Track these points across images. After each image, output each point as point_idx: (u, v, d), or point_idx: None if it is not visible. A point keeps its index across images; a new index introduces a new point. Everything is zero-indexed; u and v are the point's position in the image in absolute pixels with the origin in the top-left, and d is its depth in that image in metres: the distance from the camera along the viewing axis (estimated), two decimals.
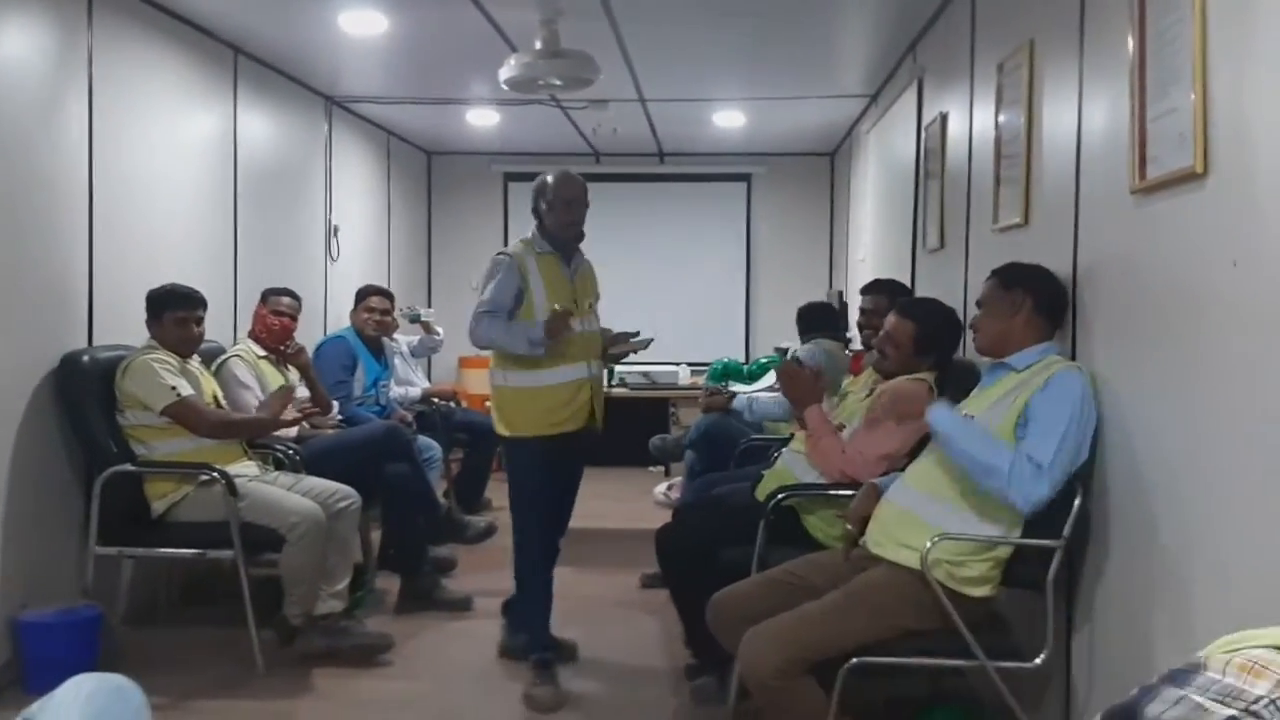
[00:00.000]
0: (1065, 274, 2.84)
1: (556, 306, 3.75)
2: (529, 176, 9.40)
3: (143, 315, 4.10)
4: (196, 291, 4.16)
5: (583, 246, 4.02)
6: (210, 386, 4.23)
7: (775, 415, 4.94)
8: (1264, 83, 1.85)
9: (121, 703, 1.70)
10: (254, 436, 4.31)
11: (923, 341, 3.44)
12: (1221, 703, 0.79)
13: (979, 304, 2.95)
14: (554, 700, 3.61)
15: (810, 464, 3.59)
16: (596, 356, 3.96)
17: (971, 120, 3.99)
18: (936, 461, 2.85)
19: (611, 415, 6.25)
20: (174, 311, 4.07)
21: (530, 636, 3.87)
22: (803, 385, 3.62)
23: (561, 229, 3.91)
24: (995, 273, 2.95)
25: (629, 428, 5.86)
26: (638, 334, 4.12)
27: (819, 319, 5.44)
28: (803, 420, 3.60)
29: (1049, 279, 2.82)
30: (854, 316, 4.96)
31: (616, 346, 4.06)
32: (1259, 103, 1.87)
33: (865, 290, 4.41)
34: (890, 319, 3.51)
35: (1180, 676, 0.85)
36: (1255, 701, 0.78)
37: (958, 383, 3.16)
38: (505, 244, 8.78)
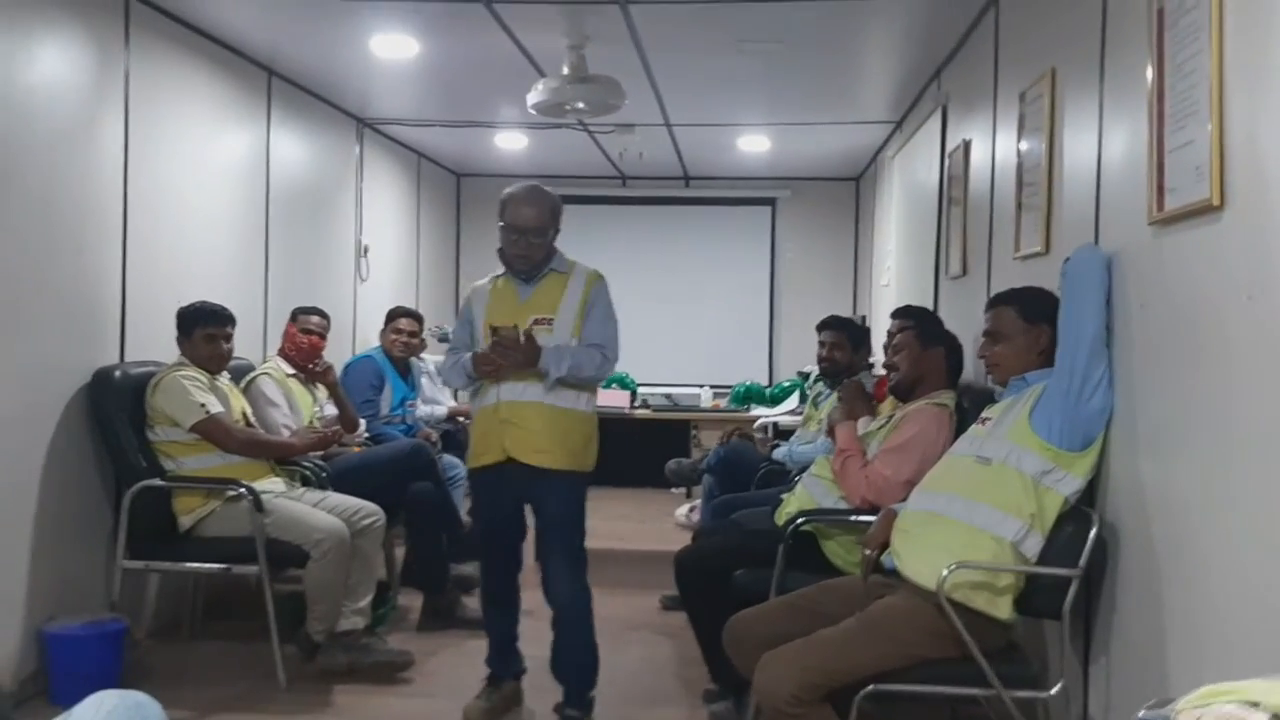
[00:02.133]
0: None
1: (485, 341, 3.48)
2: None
3: (174, 332, 4.17)
4: (225, 308, 4.22)
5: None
6: (239, 403, 4.29)
7: (812, 460, 4.95)
8: None
9: (141, 718, 1.74)
10: (280, 458, 4.36)
11: (926, 335, 3.60)
12: None
13: (991, 333, 2.98)
14: (477, 713, 3.63)
15: (831, 488, 3.60)
16: (525, 379, 3.47)
17: (994, 148, 4.01)
18: (952, 465, 2.91)
19: (634, 437, 6.32)
20: (203, 328, 4.14)
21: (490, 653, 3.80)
22: (853, 403, 3.80)
23: (510, 259, 3.61)
24: (1008, 302, 2.99)
25: (651, 449, 5.91)
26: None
27: None
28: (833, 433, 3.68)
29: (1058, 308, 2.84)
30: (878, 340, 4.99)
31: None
32: (1275, 137, 1.88)
33: (895, 315, 4.34)
34: (896, 338, 3.68)
35: None
36: None
37: (978, 410, 3.16)
38: None
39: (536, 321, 3.51)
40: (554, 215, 3.61)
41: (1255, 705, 0.79)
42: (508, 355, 3.41)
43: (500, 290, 3.65)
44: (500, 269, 3.69)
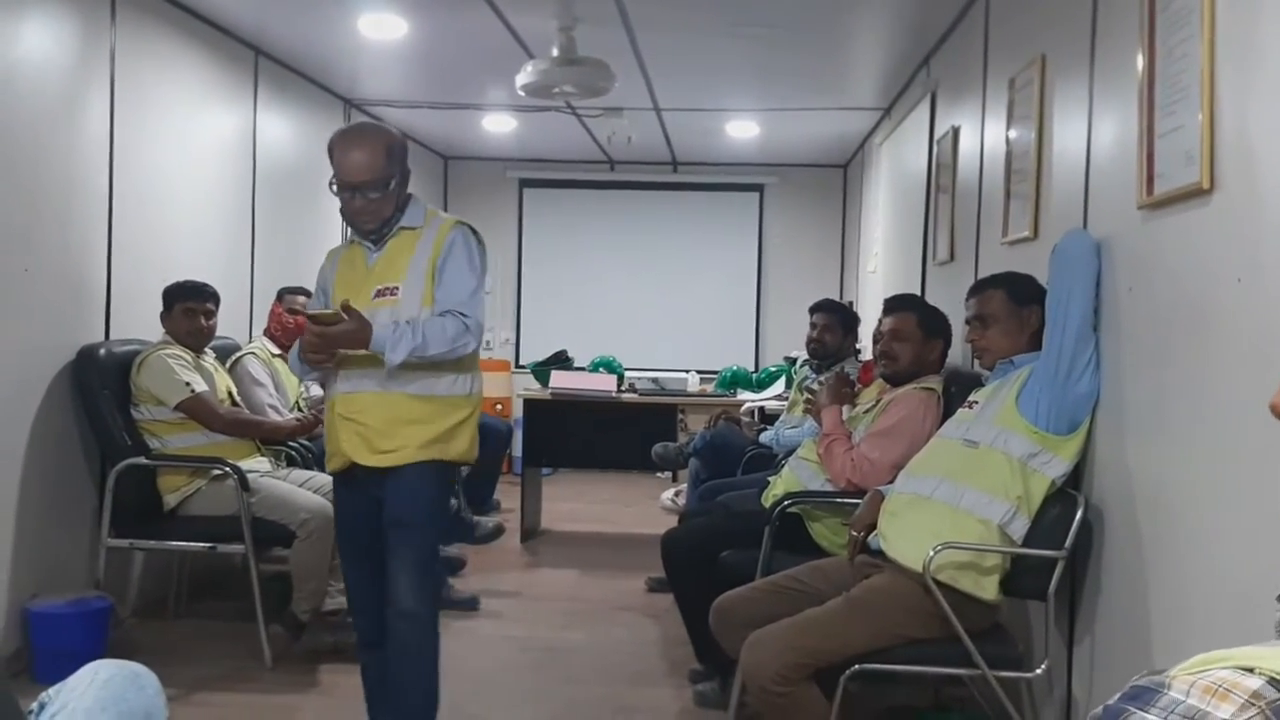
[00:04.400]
0: None
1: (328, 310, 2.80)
2: (544, 183, 9.46)
3: (159, 310, 4.15)
4: (207, 285, 4.21)
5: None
6: (224, 382, 4.27)
7: (798, 443, 4.97)
8: (1270, 101, 1.88)
9: (137, 689, 1.74)
10: (265, 438, 4.35)
11: (928, 324, 3.57)
12: None
13: (981, 317, 2.98)
14: None
15: (818, 471, 3.62)
16: (363, 364, 2.80)
17: (983, 134, 4.02)
18: (939, 448, 2.92)
19: (620, 420, 6.32)
20: (183, 302, 4.13)
21: None
22: (839, 390, 3.78)
23: (350, 220, 2.93)
24: (997, 286, 3.00)
25: (637, 433, 5.92)
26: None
27: None
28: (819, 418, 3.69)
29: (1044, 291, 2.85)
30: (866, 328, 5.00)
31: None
32: (1265, 121, 1.90)
33: (894, 306, 3.88)
34: (887, 322, 3.61)
35: (1144, 695, 0.84)
36: None
37: (965, 394, 3.18)
38: (519, 250, 8.92)
39: (380, 293, 2.83)
40: (392, 158, 2.85)
41: (1250, 670, 0.80)
42: (327, 343, 2.71)
43: (349, 257, 2.99)
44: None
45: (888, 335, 3.60)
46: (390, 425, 2.83)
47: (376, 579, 2.90)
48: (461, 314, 2.79)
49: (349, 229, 3.00)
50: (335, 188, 2.86)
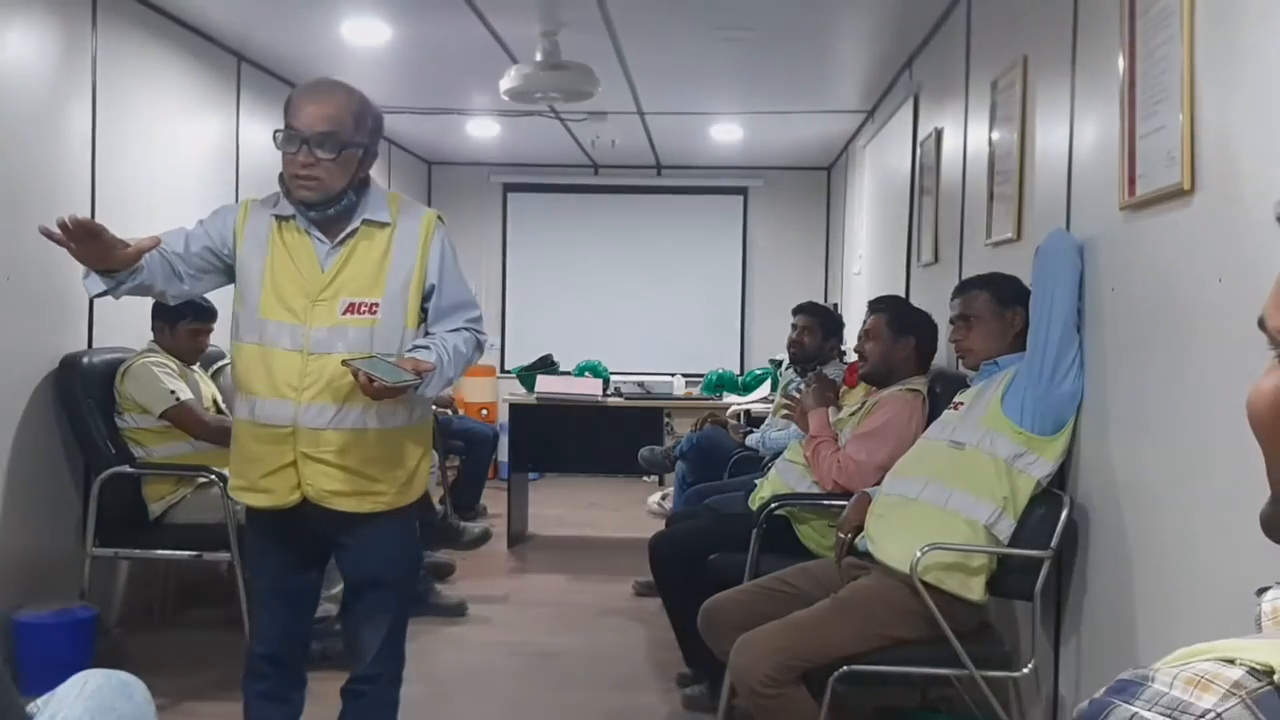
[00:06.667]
0: None
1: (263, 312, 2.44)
2: (528, 187, 9.45)
3: (143, 318, 4.12)
4: (212, 304, 4.19)
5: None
6: (210, 390, 4.26)
7: (785, 446, 4.98)
8: (1250, 102, 1.90)
9: (126, 698, 1.74)
10: None
11: (897, 323, 3.60)
12: (1168, 716, 0.80)
13: (964, 318, 3.00)
14: None
15: (805, 473, 3.63)
16: (337, 396, 2.39)
17: (966, 136, 4.04)
18: (925, 450, 2.94)
19: (606, 424, 6.34)
20: (190, 322, 4.11)
21: None
22: (823, 392, 3.80)
23: (290, 185, 2.41)
24: (981, 287, 3.01)
25: (624, 437, 5.94)
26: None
27: None
28: (805, 423, 3.70)
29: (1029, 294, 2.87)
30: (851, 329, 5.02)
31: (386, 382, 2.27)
32: (1244, 122, 1.91)
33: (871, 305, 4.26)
34: (865, 322, 3.67)
35: (1129, 688, 0.86)
36: (1202, 715, 0.79)
37: (950, 396, 3.19)
38: (504, 255, 8.90)
39: (351, 308, 2.40)
40: (361, 124, 2.41)
41: (1232, 662, 0.81)
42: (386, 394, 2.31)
43: (289, 244, 2.46)
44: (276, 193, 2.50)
45: (862, 336, 3.66)
46: (367, 465, 2.46)
47: (294, 611, 2.67)
48: (477, 330, 2.55)
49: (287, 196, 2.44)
50: (279, 138, 2.38)
